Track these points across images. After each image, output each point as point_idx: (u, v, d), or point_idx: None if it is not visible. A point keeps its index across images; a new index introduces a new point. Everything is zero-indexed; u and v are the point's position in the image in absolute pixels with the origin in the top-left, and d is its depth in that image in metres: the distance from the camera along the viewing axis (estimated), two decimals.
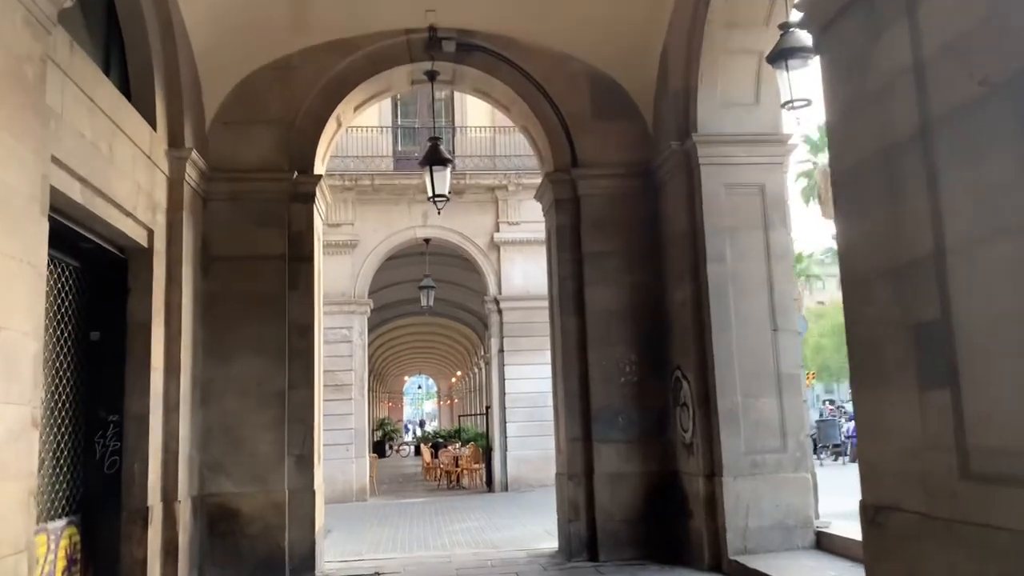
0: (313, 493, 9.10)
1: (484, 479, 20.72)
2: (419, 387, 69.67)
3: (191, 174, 8.70)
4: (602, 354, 9.40)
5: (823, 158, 32.81)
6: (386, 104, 19.68)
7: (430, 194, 9.93)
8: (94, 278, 7.72)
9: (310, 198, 9.51)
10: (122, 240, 7.59)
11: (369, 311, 19.19)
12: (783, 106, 7.56)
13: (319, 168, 9.75)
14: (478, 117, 19.19)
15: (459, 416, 39.05)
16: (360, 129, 18.66)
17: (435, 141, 10.06)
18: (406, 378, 60.52)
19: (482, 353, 34.11)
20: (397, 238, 19.02)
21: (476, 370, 38.29)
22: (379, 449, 39.09)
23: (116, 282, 7.83)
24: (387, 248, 19.01)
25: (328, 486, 17.90)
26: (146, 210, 7.81)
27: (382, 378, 48.53)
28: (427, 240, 19.21)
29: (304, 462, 9.11)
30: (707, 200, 8.64)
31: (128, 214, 7.39)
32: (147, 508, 7.60)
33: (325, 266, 18.45)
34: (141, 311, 7.86)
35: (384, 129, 19.36)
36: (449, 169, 9.99)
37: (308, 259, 9.42)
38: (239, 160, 9.38)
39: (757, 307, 8.57)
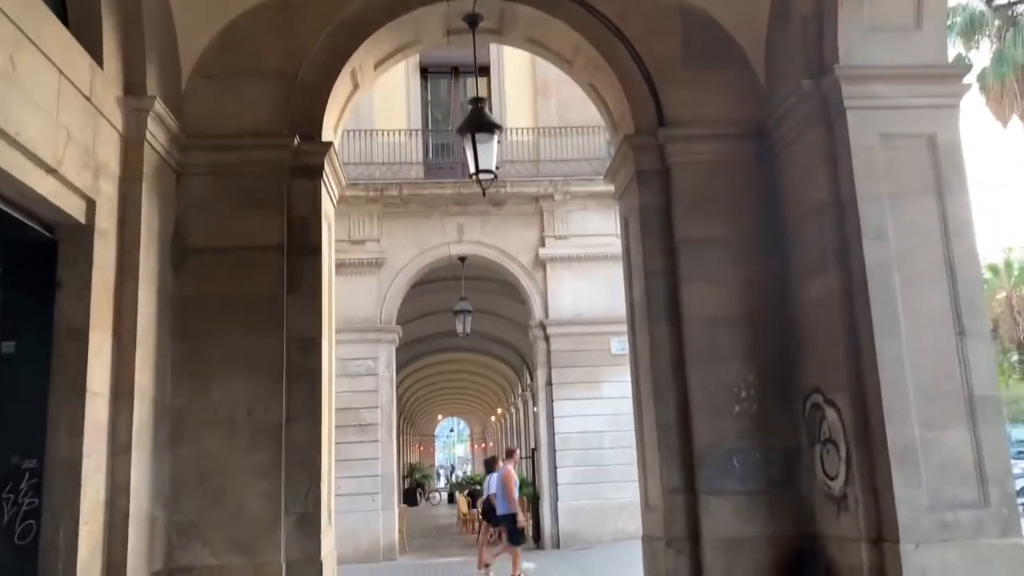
0: (320, 565, 6.69)
1: (530, 533, 18.10)
2: (451, 430, 66.98)
3: (157, 135, 6.52)
4: (707, 375, 6.96)
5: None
6: (415, 105, 17.58)
7: (472, 169, 7.65)
8: (6, 266, 5.51)
9: (316, 172, 7.27)
10: (44, 210, 5.39)
11: (397, 340, 16.85)
12: (989, 2, 5.17)
13: (329, 135, 7.52)
14: (520, 117, 16.97)
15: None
16: (386, 133, 16.52)
17: (478, 103, 7.79)
18: (439, 417, 57.55)
19: (519, 392, 31.68)
20: (428, 256, 16.72)
21: (513, 410, 35.79)
22: (410, 497, 36.57)
23: (40, 272, 5.61)
24: (417, 267, 16.71)
25: (351, 543, 15.50)
26: (82, 170, 5.59)
27: (412, 420, 46.09)
28: (463, 258, 16.91)
29: (308, 522, 6.73)
30: (858, 156, 6.26)
31: (50, 170, 5.18)
32: None
33: (347, 288, 16.19)
34: (76, 313, 5.64)
35: (413, 133, 17.16)
36: (497, 138, 7.72)
37: (313, 252, 7.16)
38: (224, 123, 7.18)
39: (934, 302, 6.13)
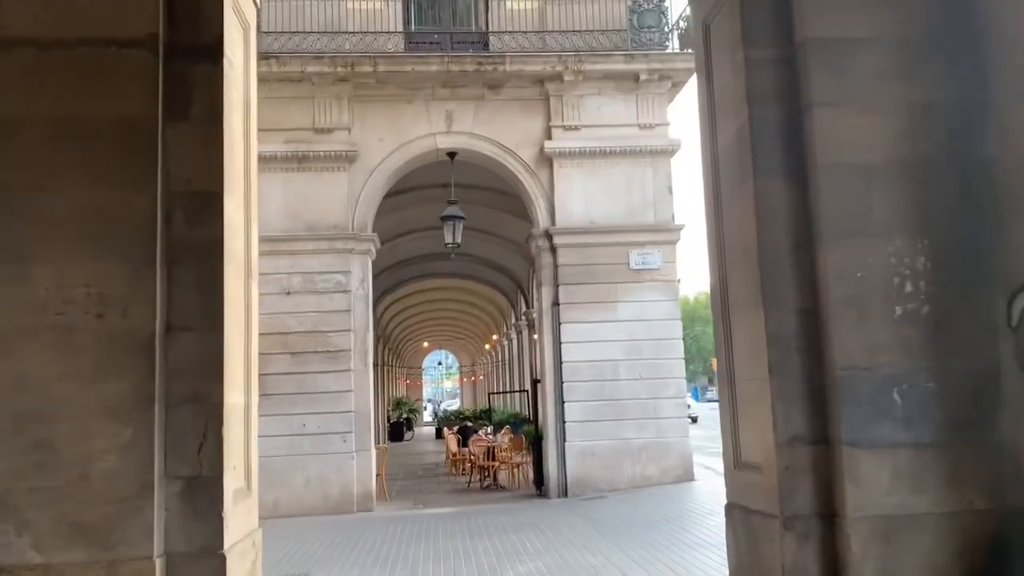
0: (221, 560, 4.09)
1: (531, 477, 15.72)
2: (439, 363, 64.76)
3: None
4: (852, 256, 4.31)
5: None
6: None
7: None
8: None
9: None
10: None
11: (374, 251, 14.10)
12: None
13: None
14: None
15: (489, 394, 34.20)
16: None
17: None
18: (425, 344, 54.38)
19: (513, 321, 29.26)
20: (410, 150, 13.89)
21: (506, 341, 33.46)
22: (396, 433, 34.43)
23: None
24: (396, 164, 13.90)
25: (319, 491, 12.95)
26: None
27: (398, 351, 43.71)
28: (452, 154, 14.12)
29: (202, 491, 4.11)
30: None
31: None
32: None
33: (311, 188, 13.29)
34: None
35: None
36: None
37: (211, 53, 4.38)
38: None
39: None
